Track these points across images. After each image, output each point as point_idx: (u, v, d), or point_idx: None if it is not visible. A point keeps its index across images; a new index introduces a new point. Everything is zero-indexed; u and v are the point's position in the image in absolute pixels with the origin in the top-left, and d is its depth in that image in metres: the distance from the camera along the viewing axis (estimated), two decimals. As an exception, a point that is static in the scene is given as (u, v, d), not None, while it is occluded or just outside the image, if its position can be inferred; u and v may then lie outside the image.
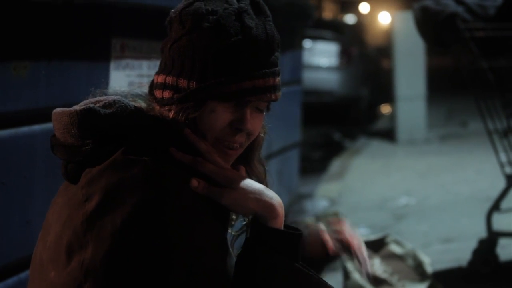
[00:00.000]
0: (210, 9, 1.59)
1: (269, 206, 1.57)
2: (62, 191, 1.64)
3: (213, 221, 1.54)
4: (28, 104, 2.61)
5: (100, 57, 3.04)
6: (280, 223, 1.58)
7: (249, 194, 1.57)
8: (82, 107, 1.58)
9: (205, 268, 1.49)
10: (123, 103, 1.59)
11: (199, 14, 1.59)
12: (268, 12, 1.65)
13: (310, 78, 10.94)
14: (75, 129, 1.56)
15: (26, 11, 2.58)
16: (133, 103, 1.64)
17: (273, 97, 1.62)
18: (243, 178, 1.61)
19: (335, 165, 8.91)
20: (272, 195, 1.59)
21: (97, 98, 1.64)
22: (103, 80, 2.93)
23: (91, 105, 1.58)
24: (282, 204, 1.60)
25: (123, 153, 1.53)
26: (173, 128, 1.60)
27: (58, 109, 1.63)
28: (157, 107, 1.64)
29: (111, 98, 1.61)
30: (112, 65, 3.10)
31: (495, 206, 4.42)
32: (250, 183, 1.59)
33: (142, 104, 1.66)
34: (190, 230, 1.49)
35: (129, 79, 3.18)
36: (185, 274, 1.47)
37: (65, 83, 2.78)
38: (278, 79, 1.63)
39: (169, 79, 1.62)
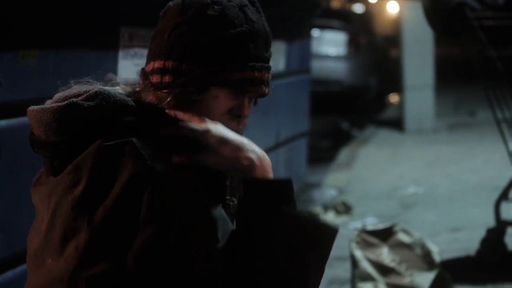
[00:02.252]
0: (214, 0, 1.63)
1: (249, 158, 1.56)
2: (44, 178, 1.64)
3: (205, 192, 1.53)
4: (37, 93, 2.62)
5: (109, 46, 3.05)
6: (265, 172, 1.57)
7: (230, 149, 1.56)
8: (65, 103, 1.57)
9: (200, 243, 1.49)
10: (105, 93, 1.59)
11: (204, 3, 1.63)
12: (263, 13, 1.70)
13: (318, 67, 10.93)
14: (60, 124, 1.57)
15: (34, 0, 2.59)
16: (117, 89, 1.65)
17: (266, 91, 1.67)
18: (223, 135, 1.57)
19: (343, 154, 8.91)
20: (254, 147, 1.58)
21: (77, 91, 1.62)
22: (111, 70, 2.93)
23: (74, 99, 1.58)
24: (266, 155, 1.59)
25: (109, 136, 1.54)
26: (156, 109, 1.61)
27: (34, 107, 1.63)
28: (151, 96, 1.64)
29: (92, 90, 1.60)
30: (121, 54, 3.10)
31: (504, 195, 4.41)
32: (233, 137, 1.57)
33: (123, 91, 1.67)
34: (182, 205, 1.49)
35: (137, 68, 3.17)
36: (181, 250, 1.47)
37: (73, 72, 2.76)
38: (269, 75, 1.68)
39: (168, 64, 1.63)
